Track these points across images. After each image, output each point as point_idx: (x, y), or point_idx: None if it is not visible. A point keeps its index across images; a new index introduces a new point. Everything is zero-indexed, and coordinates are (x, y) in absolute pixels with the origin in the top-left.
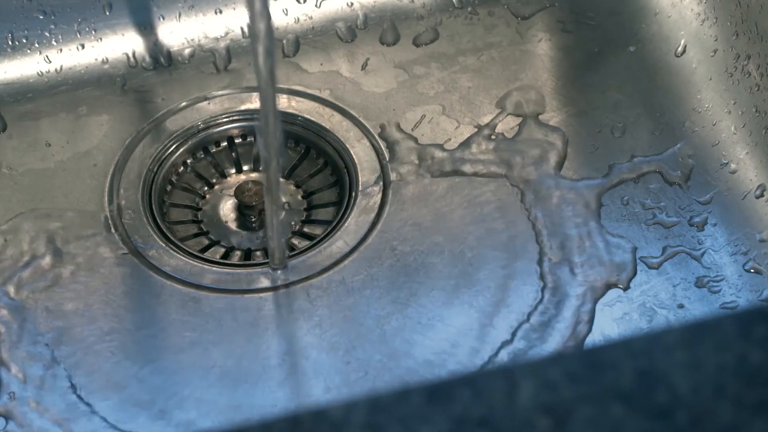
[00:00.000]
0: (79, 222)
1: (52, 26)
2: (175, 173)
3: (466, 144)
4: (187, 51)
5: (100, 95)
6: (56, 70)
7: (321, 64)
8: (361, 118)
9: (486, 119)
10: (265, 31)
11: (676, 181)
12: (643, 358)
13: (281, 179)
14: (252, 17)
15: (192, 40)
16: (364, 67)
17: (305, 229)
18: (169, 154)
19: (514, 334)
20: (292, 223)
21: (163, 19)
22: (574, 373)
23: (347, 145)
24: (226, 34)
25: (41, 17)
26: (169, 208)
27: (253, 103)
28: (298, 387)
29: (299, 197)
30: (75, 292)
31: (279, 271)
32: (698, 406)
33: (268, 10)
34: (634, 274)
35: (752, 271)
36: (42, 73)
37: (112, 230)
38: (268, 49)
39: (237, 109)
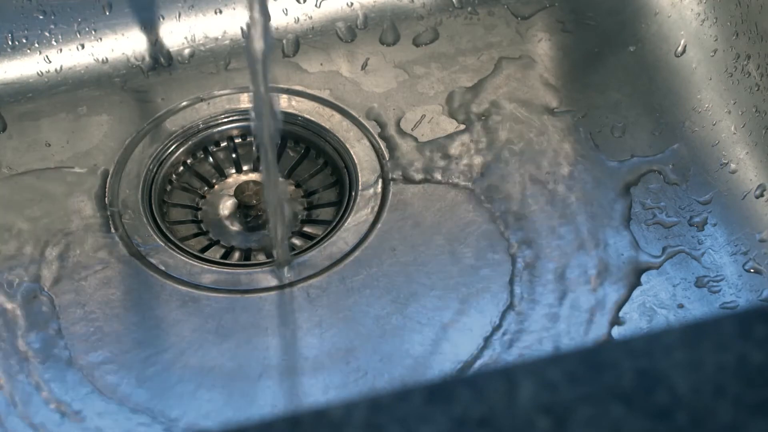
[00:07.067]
0: (79, 222)
1: (52, 26)
2: (174, 173)
3: (465, 144)
4: (187, 51)
5: (100, 95)
6: (56, 70)
7: (321, 64)
8: (361, 118)
9: (486, 119)
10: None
11: (676, 181)
12: (643, 358)
13: (281, 179)
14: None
15: (192, 40)
16: (364, 67)
17: (305, 229)
18: (169, 154)
19: (514, 334)
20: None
21: (163, 19)
22: (574, 373)
23: (347, 145)
24: (226, 34)
25: (41, 17)
26: (169, 208)
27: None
28: (298, 387)
29: (299, 197)
30: (75, 292)
31: (279, 271)
32: (698, 406)
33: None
34: (634, 273)
35: (752, 271)
36: (42, 73)
37: (112, 230)
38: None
39: (237, 109)
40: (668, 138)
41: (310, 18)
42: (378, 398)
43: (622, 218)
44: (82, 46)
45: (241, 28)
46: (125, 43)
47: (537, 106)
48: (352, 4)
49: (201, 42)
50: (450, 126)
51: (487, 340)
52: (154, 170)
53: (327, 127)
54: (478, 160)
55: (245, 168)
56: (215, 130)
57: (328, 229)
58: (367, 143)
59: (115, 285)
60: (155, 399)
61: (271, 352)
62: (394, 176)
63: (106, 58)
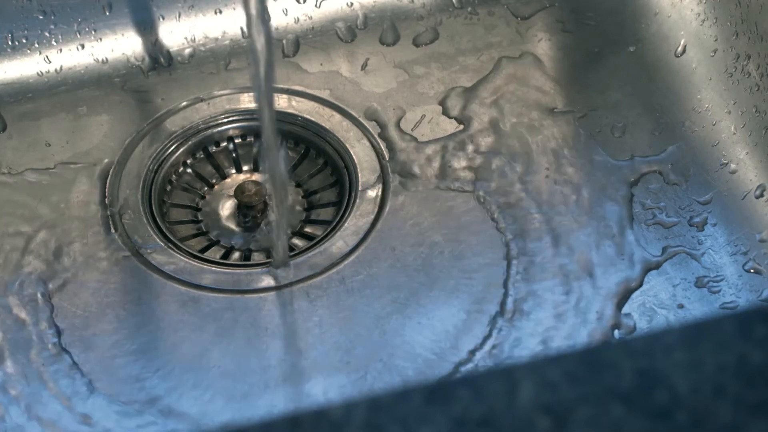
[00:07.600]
0: (79, 222)
1: (52, 26)
2: (174, 173)
3: (465, 144)
4: (186, 51)
5: (99, 95)
6: (56, 70)
7: (321, 64)
8: (361, 118)
9: (486, 119)
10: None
11: (676, 181)
12: (643, 358)
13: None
14: (249, 24)
15: (192, 40)
16: (364, 67)
17: (305, 229)
18: (169, 154)
19: (514, 334)
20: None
21: (163, 19)
22: (574, 373)
23: (347, 145)
24: (226, 34)
25: (41, 17)
26: (169, 208)
27: (253, 103)
28: (298, 387)
29: (299, 197)
30: (75, 293)
31: (279, 271)
32: (698, 406)
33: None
34: (634, 273)
35: (752, 271)
36: (42, 73)
37: (112, 230)
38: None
39: (237, 109)
40: (668, 138)
41: (310, 18)
42: (378, 398)
43: (622, 218)
44: (82, 46)
45: (242, 28)
46: (125, 43)
47: (537, 106)
48: (352, 4)
49: (201, 42)
50: (450, 126)
51: (487, 340)
52: (154, 170)
53: (327, 127)
54: (477, 160)
55: (245, 168)
56: (215, 130)
57: (328, 230)
58: (367, 143)
59: (114, 285)
60: (154, 399)
61: (271, 352)
62: (394, 176)
63: (106, 58)
